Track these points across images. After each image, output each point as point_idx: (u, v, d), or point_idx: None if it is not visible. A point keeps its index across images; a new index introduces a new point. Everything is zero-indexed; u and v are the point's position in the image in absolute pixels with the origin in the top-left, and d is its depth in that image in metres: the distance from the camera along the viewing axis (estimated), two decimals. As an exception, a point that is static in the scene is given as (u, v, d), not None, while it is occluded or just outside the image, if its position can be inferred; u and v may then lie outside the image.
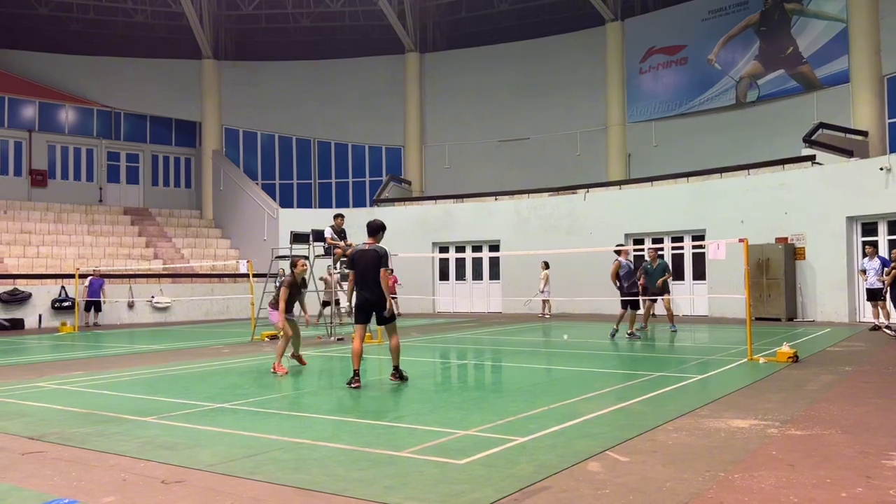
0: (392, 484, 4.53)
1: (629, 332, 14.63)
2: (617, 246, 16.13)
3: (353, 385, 8.54)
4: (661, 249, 16.68)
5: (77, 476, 4.86)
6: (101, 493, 4.48)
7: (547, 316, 22.50)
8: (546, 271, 22.37)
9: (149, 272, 25.07)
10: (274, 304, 10.83)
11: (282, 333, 10.46)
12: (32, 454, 5.48)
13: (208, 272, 26.96)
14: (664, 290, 15.75)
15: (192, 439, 5.88)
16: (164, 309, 24.34)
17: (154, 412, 7.05)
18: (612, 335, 14.46)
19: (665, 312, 16.47)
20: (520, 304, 23.13)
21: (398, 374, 8.94)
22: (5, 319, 20.79)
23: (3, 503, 4.30)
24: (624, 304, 14.65)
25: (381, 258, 8.72)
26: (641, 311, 15.49)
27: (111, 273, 23.66)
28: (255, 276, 18.46)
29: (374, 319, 8.98)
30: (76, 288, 21.12)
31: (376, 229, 9.02)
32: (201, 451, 5.45)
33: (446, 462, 5.01)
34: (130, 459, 5.24)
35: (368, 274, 8.72)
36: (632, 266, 14.94)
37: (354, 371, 8.63)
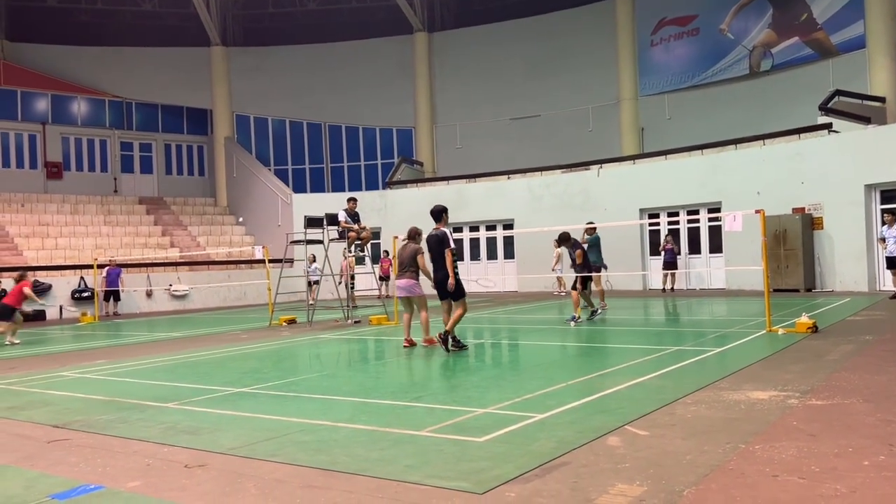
0: (412, 463, 4.55)
1: (594, 310, 13.50)
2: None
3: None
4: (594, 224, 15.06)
5: (102, 462, 4.93)
6: (126, 478, 4.54)
7: (563, 293, 22.44)
8: (558, 249, 22.20)
9: (165, 260, 25.27)
10: (415, 275, 10.24)
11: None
12: (58, 442, 5.56)
13: (224, 259, 27.13)
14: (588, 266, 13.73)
15: (214, 424, 5.94)
16: (182, 297, 24.55)
17: (175, 398, 7.13)
18: (573, 320, 12.94)
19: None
20: (535, 282, 23.05)
21: (457, 344, 9.83)
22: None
23: (32, 489, 4.37)
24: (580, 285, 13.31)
25: (441, 241, 9.84)
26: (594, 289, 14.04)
27: (128, 262, 23.87)
28: (270, 261, 18.57)
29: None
30: (95, 278, 21.33)
31: (439, 214, 10.05)
32: (223, 435, 5.50)
33: (466, 440, 5.03)
34: (154, 445, 5.31)
35: (434, 255, 9.92)
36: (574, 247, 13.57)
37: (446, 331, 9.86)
